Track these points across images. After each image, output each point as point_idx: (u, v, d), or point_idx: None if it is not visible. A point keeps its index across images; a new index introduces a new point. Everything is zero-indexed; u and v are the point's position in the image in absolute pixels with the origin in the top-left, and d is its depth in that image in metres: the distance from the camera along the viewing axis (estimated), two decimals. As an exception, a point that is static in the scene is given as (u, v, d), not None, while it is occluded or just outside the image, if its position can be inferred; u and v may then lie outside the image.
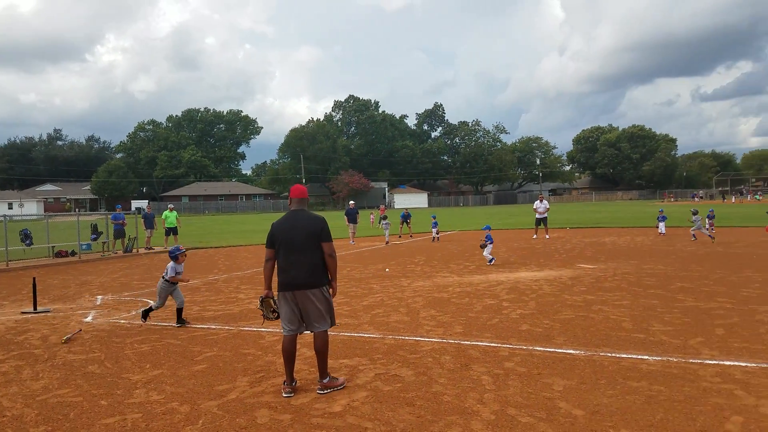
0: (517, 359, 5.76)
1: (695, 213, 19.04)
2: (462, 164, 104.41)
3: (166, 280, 7.81)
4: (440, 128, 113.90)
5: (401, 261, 15.12)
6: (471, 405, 4.52)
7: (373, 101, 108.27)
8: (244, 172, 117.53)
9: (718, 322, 7.08)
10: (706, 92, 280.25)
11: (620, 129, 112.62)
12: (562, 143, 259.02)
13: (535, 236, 21.51)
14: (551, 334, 6.74)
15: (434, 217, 22.74)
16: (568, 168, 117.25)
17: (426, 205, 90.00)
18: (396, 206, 78.92)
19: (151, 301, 8.80)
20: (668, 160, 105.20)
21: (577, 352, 5.93)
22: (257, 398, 4.83)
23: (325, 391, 4.85)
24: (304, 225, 4.86)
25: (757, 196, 78.48)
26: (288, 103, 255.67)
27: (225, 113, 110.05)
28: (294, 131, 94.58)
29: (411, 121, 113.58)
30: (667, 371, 5.23)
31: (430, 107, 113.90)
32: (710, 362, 5.46)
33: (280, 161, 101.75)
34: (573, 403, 4.51)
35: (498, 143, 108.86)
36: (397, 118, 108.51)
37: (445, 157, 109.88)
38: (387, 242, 21.22)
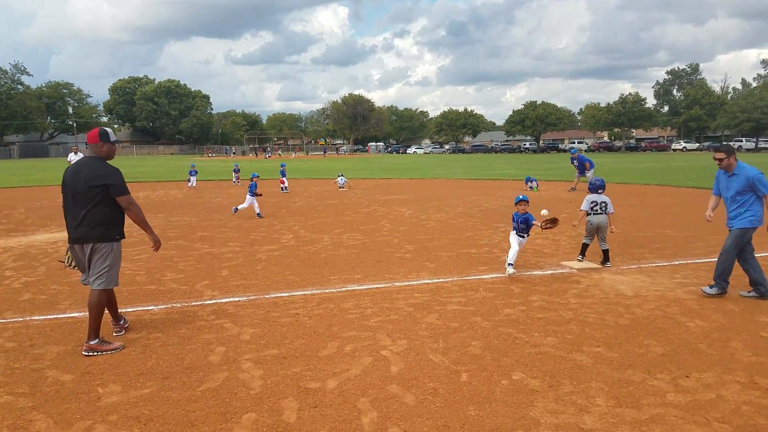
0: (9, 334, 5.06)
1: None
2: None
3: None
4: None
5: None
6: (-74, 404, 3.68)
7: None
8: None
9: (225, 265, 8.04)
10: (237, 56, 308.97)
11: (156, 82, 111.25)
12: (99, 93, 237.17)
13: None
14: (57, 300, 6.20)
15: None
16: (105, 119, 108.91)
17: None
18: None
19: None
20: (204, 119, 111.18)
21: (81, 314, 5.64)
22: None
23: (90, 354, 4.49)
24: (85, 175, 4.54)
25: (279, 153, 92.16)
26: None
27: None
28: None
29: None
30: (170, 317, 5.60)
31: None
32: (209, 302, 6.15)
33: None
34: (64, 369, 4.28)
35: (19, 86, 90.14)
36: None
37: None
38: None
